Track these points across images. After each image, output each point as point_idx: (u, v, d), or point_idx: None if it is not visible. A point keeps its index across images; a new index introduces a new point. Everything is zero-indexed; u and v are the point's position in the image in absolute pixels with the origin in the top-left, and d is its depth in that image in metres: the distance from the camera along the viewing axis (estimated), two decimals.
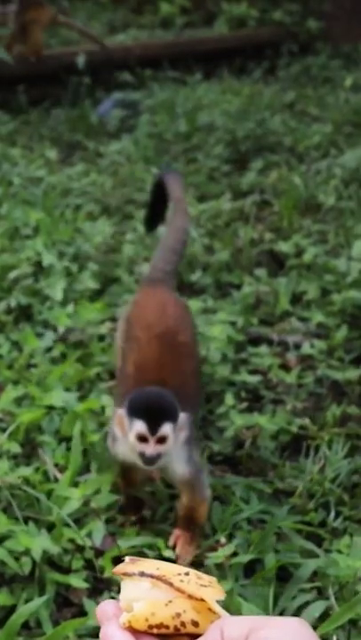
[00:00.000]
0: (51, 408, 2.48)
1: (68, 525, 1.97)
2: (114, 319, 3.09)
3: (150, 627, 0.82)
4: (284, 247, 3.71)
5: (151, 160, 4.87)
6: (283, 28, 7.59)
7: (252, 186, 4.53)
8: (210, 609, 0.83)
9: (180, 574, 0.86)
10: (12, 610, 1.79)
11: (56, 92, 6.24)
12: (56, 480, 2.18)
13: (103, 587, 1.95)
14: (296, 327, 3.12)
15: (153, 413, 1.92)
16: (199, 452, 2.17)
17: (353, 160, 4.72)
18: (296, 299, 3.32)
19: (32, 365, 2.78)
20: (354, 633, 1.80)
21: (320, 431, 2.50)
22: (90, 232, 3.77)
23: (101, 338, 2.97)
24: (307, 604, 1.85)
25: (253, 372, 2.85)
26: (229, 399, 2.62)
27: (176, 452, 1.99)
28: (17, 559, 1.89)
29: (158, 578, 0.86)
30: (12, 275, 3.32)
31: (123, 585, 0.87)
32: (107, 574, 1.96)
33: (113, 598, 1.80)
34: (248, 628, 0.72)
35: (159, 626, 0.82)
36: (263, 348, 2.95)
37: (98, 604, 1.81)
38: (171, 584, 0.85)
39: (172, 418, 1.93)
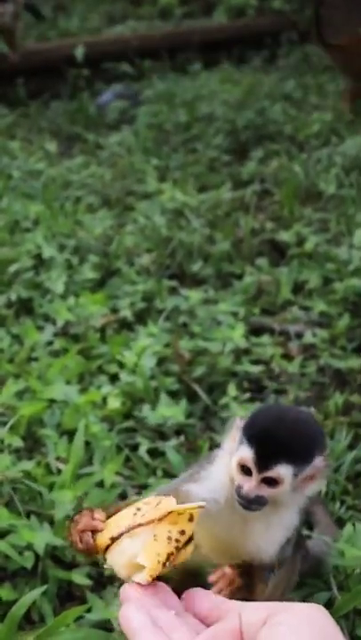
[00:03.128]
0: (52, 401, 2.47)
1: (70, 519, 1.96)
2: (114, 311, 3.08)
3: (164, 564, 0.90)
4: (285, 236, 3.70)
5: (151, 151, 4.85)
6: (282, 16, 7.56)
7: (252, 175, 4.51)
8: (179, 513, 0.99)
9: (135, 513, 1.03)
10: (14, 604, 1.78)
11: (55, 85, 6.22)
12: (59, 472, 2.17)
13: (106, 580, 1.94)
14: (298, 316, 3.10)
15: (270, 443, 1.38)
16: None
17: (354, 148, 4.70)
18: (298, 288, 3.31)
19: (33, 359, 2.77)
20: (358, 622, 1.79)
21: (325, 420, 2.49)
22: (90, 224, 3.75)
23: (102, 330, 2.96)
24: (311, 594, 1.84)
25: (256, 362, 2.84)
26: (232, 390, 2.61)
27: (290, 505, 1.46)
28: (20, 554, 1.88)
29: (128, 529, 0.99)
30: (13, 268, 3.31)
31: (109, 558, 1.00)
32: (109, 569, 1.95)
33: (116, 594, 1.82)
34: (266, 613, 0.72)
35: (168, 557, 0.91)
36: (265, 338, 2.93)
37: (101, 598, 1.83)
38: (140, 524, 0.99)
39: (297, 457, 1.39)
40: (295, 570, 1.69)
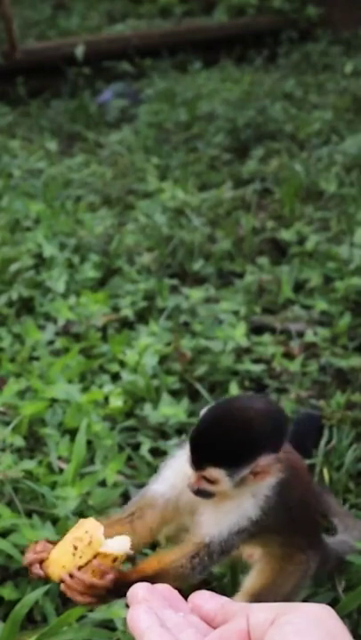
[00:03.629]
0: (53, 400, 2.47)
1: (71, 519, 1.96)
2: (115, 309, 3.08)
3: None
4: (286, 235, 3.70)
5: (152, 150, 4.85)
6: (282, 15, 7.55)
7: (253, 174, 4.50)
8: (105, 555, 1.37)
9: (74, 554, 1.38)
10: (17, 604, 1.78)
11: (55, 84, 6.22)
12: (60, 472, 2.17)
13: None
14: (299, 315, 3.10)
15: (201, 446, 1.44)
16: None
17: (354, 146, 4.70)
18: (299, 286, 3.31)
19: (34, 358, 2.77)
20: None
21: (332, 413, 2.49)
22: (91, 223, 3.75)
23: (103, 329, 2.96)
24: (316, 593, 1.84)
25: (257, 360, 2.84)
26: (233, 388, 2.61)
27: (246, 498, 1.50)
28: (22, 553, 1.88)
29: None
30: (14, 267, 3.31)
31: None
32: None
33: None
34: (273, 613, 0.72)
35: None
36: (266, 337, 2.93)
37: None
38: (80, 566, 1.38)
39: (229, 462, 1.42)
40: (306, 573, 1.71)
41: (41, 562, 1.43)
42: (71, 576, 1.38)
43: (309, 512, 1.76)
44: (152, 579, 1.36)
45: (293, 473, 1.63)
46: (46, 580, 1.45)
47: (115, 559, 1.38)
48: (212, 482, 1.43)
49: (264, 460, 1.42)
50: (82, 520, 1.42)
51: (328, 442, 2.37)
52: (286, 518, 1.62)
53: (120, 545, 1.39)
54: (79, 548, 1.38)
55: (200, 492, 1.45)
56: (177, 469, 1.54)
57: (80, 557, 1.37)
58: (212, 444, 1.42)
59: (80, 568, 1.38)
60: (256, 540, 1.64)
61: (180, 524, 1.57)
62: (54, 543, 1.44)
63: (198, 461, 1.43)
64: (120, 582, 1.39)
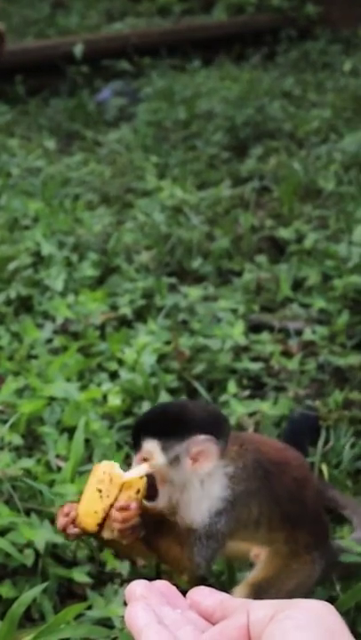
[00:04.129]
0: (52, 399, 2.47)
1: None
2: (114, 308, 3.09)
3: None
4: (284, 233, 3.70)
5: (150, 148, 4.85)
6: (281, 13, 7.55)
7: (251, 172, 4.50)
8: (128, 485, 1.44)
9: (100, 496, 1.43)
10: (15, 602, 1.78)
11: (54, 82, 6.21)
12: (59, 470, 2.17)
13: (106, 578, 1.94)
14: (298, 313, 3.10)
15: (137, 427, 1.56)
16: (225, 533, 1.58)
17: (353, 144, 4.70)
18: (297, 285, 3.31)
19: (33, 356, 2.77)
20: (359, 619, 1.79)
21: (328, 414, 2.49)
22: (89, 221, 3.75)
23: (102, 327, 2.96)
24: (312, 590, 1.84)
25: (255, 359, 2.84)
26: (232, 387, 2.61)
27: (195, 483, 1.52)
28: (20, 551, 1.88)
29: (106, 513, 1.44)
30: (12, 266, 3.31)
31: (105, 535, 1.46)
32: (109, 567, 1.96)
33: (117, 591, 1.82)
34: (273, 609, 0.72)
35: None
36: (265, 335, 2.93)
37: (102, 595, 1.83)
38: (111, 505, 1.43)
39: (161, 434, 1.50)
40: (311, 574, 1.72)
41: (73, 522, 1.48)
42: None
43: (309, 509, 1.76)
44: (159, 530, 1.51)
45: (281, 468, 1.66)
46: (83, 533, 1.48)
47: (138, 490, 1.45)
48: (149, 460, 1.49)
49: (199, 443, 1.48)
50: (94, 466, 1.47)
51: (326, 442, 2.37)
52: (278, 512, 1.64)
53: (139, 472, 1.46)
54: (103, 489, 1.43)
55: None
56: None
57: (107, 497, 1.43)
58: (146, 420, 1.57)
59: (111, 506, 1.43)
60: (256, 535, 1.65)
61: None
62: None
63: (136, 438, 1.52)
64: (145, 511, 1.47)
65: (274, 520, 1.64)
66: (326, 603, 0.71)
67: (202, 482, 1.52)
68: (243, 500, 1.56)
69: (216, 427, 1.52)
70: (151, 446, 1.49)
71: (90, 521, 1.44)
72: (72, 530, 1.48)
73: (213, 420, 1.54)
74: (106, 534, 1.46)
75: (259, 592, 1.62)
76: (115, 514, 1.43)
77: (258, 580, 1.68)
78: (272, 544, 1.69)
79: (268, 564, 1.70)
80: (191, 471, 1.50)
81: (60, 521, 1.49)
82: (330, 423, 2.44)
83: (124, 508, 1.43)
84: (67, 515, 1.49)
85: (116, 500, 1.43)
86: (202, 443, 1.48)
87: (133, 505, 1.43)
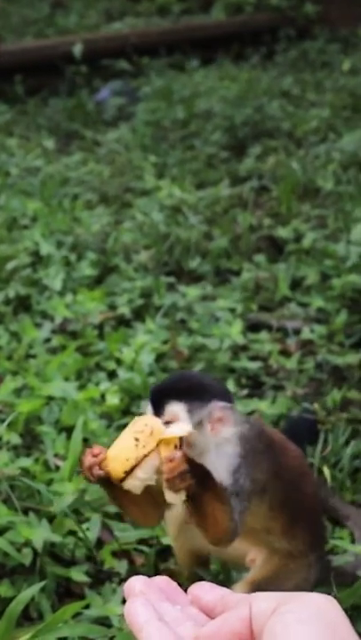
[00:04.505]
0: (50, 398, 2.47)
1: (67, 516, 1.97)
2: (112, 307, 3.09)
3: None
4: (283, 232, 3.70)
5: (149, 148, 4.85)
6: (280, 12, 7.55)
7: (250, 172, 4.51)
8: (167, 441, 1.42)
9: (136, 445, 1.41)
10: (12, 601, 1.78)
11: (53, 82, 6.22)
12: (57, 469, 2.18)
13: (105, 577, 1.94)
14: (296, 312, 3.10)
15: (160, 391, 1.57)
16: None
17: (351, 144, 4.70)
18: (296, 284, 3.31)
19: (31, 356, 2.77)
20: (358, 618, 1.79)
21: (328, 416, 2.49)
22: (88, 221, 3.75)
23: (100, 327, 2.96)
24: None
25: (254, 358, 2.84)
26: (230, 386, 2.61)
27: (212, 447, 1.56)
28: (18, 550, 1.88)
29: (138, 462, 1.41)
30: (10, 265, 3.31)
31: (127, 485, 1.43)
32: (107, 566, 1.96)
33: (115, 590, 1.82)
34: (276, 602, 0.72)
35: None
36: (263, 334, 2.94)
37: (100, 594, 1.83)
38: (145, 455, 1.40)
39: (187, 397, 1.53)
40: (308, 577, 1.73)
41: (99, 464, 1.45)
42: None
43: (307, 504, 1.77)
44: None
45: (283, 449, 1.73)
46: (106, 479, 1.45)
47: (176, 445, 1.44)
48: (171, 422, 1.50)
49: (218, 408, 1.53)
50: (137, 417, 1.47)
51: (325, 441, 2.37)
52: (280, 489, 1.67)
53: (181, 431, 1.45)
54: (141, 439, 1.41)
55: None
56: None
57: (143, 447, 1.41)
58: (170, 384, 1.58)
59: (145, 457, 1.41)
60: (259, 511, 1.65)
61: None
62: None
63: (158, 403, 1.53)
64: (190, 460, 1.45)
65: (275, 498, 1.66)
66: (329, 597, 0.71)
67: (218, 445, 1.55)
68: (253, 458, 1.60)
69: (230, 395, 1.61)
70: (177, 409, 1.52)
71: (118, 467, 1.42)
72: (97, 471, 1.45)
73: (227, 389, 1.65)
74: (127, 484, 1.43)
75: (257, 591, 1.61)
76: (165, 465, 1.42)
77: (257, 579, 1.69)
78: (270, 534, 1.69)
79: (266, 563, 1.72)
80: (210, 436, 1.53)
81: (88, 460, 1.46)
82: (328, 427, 2.43)
83: (170, 460, 1.42)
84: (95, 456, 1.46)
85: (151, 452, 1.42)
86: (222, 409, 1.53)
87: (178, 454, 1.42)
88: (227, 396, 1.58)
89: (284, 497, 1.69)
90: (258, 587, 1.65)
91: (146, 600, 0.78)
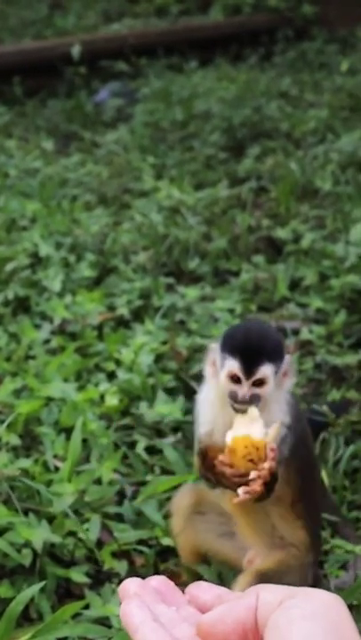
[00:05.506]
0: (49, 399, 2.47)
1: (67, 517, 1.97)
2: (111, 308, 3.09)
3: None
4: (281, 233, 3.70)
5: (148, 149, 4.86)
6: (278, 13, 7.55)
7: (248, 172, 4.51)
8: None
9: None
10: (12, 601, 1.78)
11: (52, 83, 6.22)
12: (56, 470, 2.18)
13: (104, 578, 1.95)
14: (295, 313, 3.11)
15: (250, 351, 1.61)
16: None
17: (350, 144, 4.70)
18: (294, 284, 3.31)
19: (30, 357, 2.78)
20: (358, 619, 1.80)
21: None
22: (87, 222, 3.76)
23: (99, 328, 2.97)
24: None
25: None
26: None
27: (277, 402, 1.67)
28: (18, 551, 1.88)
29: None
30: (10, 266, 3.31)
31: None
32: (107, 567, 1.96)
33: (114, 591, 1.82)
34: (282, 595, 0.72)
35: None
36: None
37: (99, 595, 1.83)
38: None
39: (275, 358, 1.62)
40: (305, 578, 1.75)
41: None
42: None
43: (316, 495, 1.84)
44: None
45: (306, 426, 1.83)
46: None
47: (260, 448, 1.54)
48: (262, 383, 1.60)
49: (287, 363, 1.65)
50: (231, 442, 1.54)
51: (323, 442, 2.37)
52: (299, 459, 1.73)
53: (275, 432, 1.56)
54: (255, 458, 1.54)
55: (251, 401, 1.60)
56: (208, 406, 1.73)
57: (260, 460, 1.54)
58: (258, 347, 1.62)
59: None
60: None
61: None
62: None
63: (250, 366, 1.59)
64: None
65: (292, 463, 1.70)
66: (336, 595, 0.71)
67: (279, 397, 1.67)
68: (294, 423, 1.70)
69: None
70: (268, 371, 1.61)
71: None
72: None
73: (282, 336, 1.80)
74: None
75: (262, 581, 1.63)
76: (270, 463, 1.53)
77: (263, 570, 1.71)
78: (278, 504, 1.72)
79: (269, 556, 1.74)
80: (277, 388, 1.64)
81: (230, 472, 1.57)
82: (338, 431, 2.43)
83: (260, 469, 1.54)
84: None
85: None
86: (288, 360, 1.67)
87: (266, 466, 1.53)
88: (285, 344, 1.72)
89: (302, 465, 1.74)
90: (263, 577, 1.68)
91: (141, 602, 0.78)
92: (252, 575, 1.69)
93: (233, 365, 1.60)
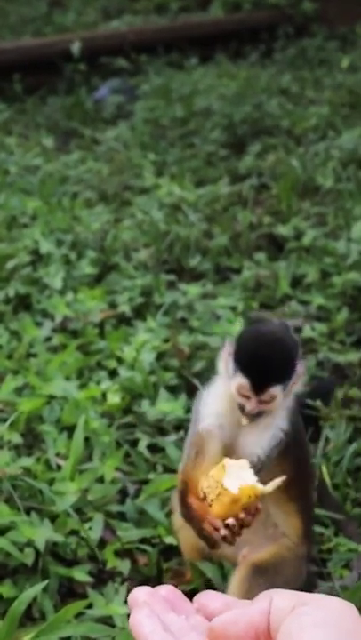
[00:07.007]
0: (51, 397, 2.47)
1: (70, 515, 1.96)
2: (113, 306, 3.08)
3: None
4: (283, 230, 3.70)
5: (148, 146, 4.85)
6: (278, 10, 7.54)
7: (249, 169, 4.50)
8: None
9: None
10: (15, 601, 1.78)
11: (52, 80, 6.21)
12: (58, 469, 2.17)
13: (107, 577, 1.94)
14: (296, 310, 3.10)
15: (260, 372, 1.61)
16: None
17: (351, 141, 4.69)
18: (296, 282, 3.31)
19: (32, 355, 2.77)
20: None
21: (328, 414, 2.49)
22: (87, 219, 3.75)
23: (101, 325, 2.96)
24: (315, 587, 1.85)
25: None
26: None
27: (279, 408, 1.68)
28: (20, 550, 1.88)
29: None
30: (10, 264, 3.30)
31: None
32: (110, 566, 1.96)
33: (117, 590, 1.82)
34: (295, 601, 0.71)
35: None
36: None
37: (102, 594, 1.83)
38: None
39: (284, 377, 1.63)
40: (300, 572, 1.75)
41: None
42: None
43: (310, 488, 1.84)
44: None
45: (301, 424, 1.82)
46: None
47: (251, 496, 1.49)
48: (268, 401, 1.61)
49: (299, 368, 1.65)
50: (239, 490, 1.48)
51: (326, 440, 2.37)
52: (297, 447, 1.75)
53: (276, 485, 1.51)
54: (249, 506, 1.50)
55: (257, 416, 1.62)
56: (216, 401, 1.70)
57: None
58: (269, 368, 1.62)
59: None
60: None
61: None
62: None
63: (260, 386, 1.60)
64: None
65: (288, 456, 1.71)
66: (349, 603, 0.70)
67: (283, 408, 1.68)
68: (290, 428, 1.69)
69: (299, 346, 1.71)
70: (276, 392, 1.61)
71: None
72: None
73: (298, 340, 1.72)
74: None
75: (258, 572, 1.69)
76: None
77: (259, 562, 1.72)
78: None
79: (267, 549, 1.74)
80: (284, 397, 1.64)
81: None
82: (333, 423, 2.43)
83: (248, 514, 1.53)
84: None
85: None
86: (300, 369, 1.66)
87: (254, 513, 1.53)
88: (300, 349, 1.69)
89: (295, 459, 1.74)
90: (259, 568, 1.70)
91: (151, 611, 0.78)
92: (246, 568, 1.69)
93: (242, 382, 1.61)
